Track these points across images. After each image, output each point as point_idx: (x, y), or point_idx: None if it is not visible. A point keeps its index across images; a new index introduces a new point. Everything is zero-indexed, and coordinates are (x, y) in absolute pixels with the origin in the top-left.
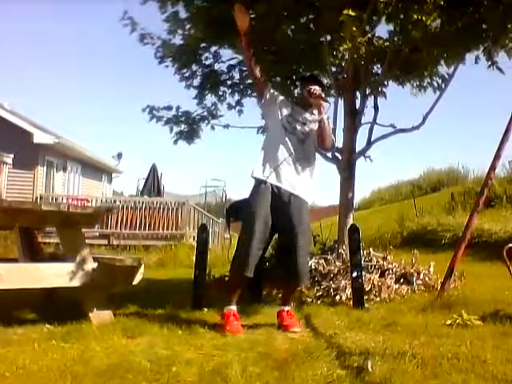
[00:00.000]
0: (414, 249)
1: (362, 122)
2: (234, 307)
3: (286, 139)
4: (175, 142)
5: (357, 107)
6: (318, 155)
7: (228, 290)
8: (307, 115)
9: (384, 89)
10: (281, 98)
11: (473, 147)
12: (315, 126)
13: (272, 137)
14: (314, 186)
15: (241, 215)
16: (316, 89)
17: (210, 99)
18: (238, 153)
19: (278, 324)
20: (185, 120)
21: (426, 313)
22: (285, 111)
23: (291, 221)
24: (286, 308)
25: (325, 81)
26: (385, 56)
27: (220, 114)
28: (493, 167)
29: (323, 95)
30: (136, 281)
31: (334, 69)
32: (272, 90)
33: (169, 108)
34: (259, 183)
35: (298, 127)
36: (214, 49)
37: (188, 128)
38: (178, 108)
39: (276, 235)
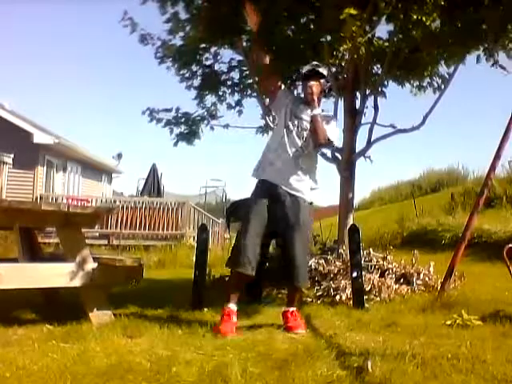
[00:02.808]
0: (414, 249)
1: (362, 122)
2: (230, 305)
3: (286, 137)
4: (175, 143)
5: (357, 107)
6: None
7: (226, 287)
8: (308, 112)
9: (384, 89)
10: (290, 96)
11: (473, 147)
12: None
13: (274, 135)
14: (317, 183)
15: (240, 215)
16: (312, 85)
17: (210, 99)
18: (238, 153)
19: (284, 325)
20: (184, 121)
21: (426, 313)
22: (289, 109)
23: (288, 220)
24: (291, 309)
25: (324, 71)
26: (385, 56)
27: (220, 115)
28: (493, 167)
29: (319, 89)
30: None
31: (334, 69)
32: (283, 91)
33: (168, 110)
34: (258, 182)
35: (299, 124)
36: (214, 49)
37: (188, 129)
38: (177, 109)
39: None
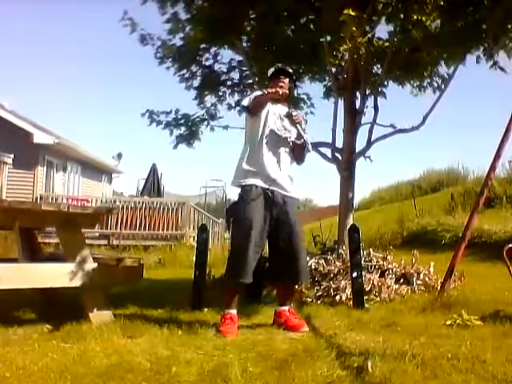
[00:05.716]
0: (414, 249)
1: (362, 122)
2: (232, 311)
3: (268, 139)
4: (175, 146)
5: (357, 107)
6: (317, 155)
7: (226, 295)
8: (282, 110)
9: (384, 89)
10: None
11: (473, 147)
12: (290, 122)
13: (254, 139)
14: (295, 179)
15: (236, 220)
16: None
17: (209, 100)
18: (238, 153)
19: (283, 324)
20: (184, 122)
21: (426, 313)
22: (268, 112)
23: (288, 222)
24: (287, 307)
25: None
26: (385, 56)
27: (219, 115)
28: (493, 167)
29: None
30: None
31: (334, 69)
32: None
33: (168, 112)
34: (250, 188)
35: (278, 124)
36: (213, 49)
37: (188, 131)
38: (176, 111)
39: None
